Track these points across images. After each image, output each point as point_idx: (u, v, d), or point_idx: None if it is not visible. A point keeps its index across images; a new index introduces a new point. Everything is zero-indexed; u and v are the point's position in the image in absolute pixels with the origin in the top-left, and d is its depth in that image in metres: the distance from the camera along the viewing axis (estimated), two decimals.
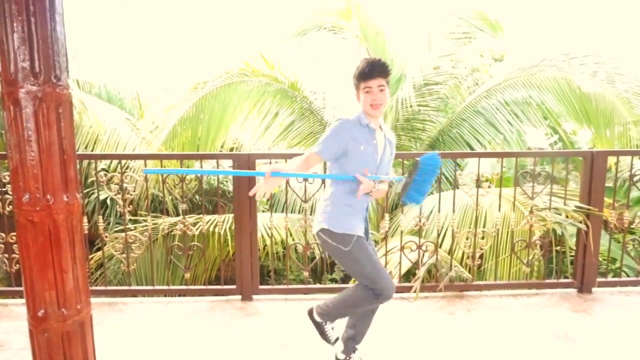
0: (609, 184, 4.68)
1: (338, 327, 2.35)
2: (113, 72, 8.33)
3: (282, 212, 5.51)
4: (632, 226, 3.48)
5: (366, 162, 2.07)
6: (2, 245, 3.20)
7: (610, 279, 3.66)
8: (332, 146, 2.05)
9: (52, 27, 1.33)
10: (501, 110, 5.87)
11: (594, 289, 3.37)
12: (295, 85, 6.37)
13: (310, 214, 3.09)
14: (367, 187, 2.04)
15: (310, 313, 2.36)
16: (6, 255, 3.21)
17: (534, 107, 5.80)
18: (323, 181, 3.14)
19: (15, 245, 3.19)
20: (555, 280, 3.52)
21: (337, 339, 2.33)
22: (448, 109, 6.76)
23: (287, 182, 3.26)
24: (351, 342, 2.32)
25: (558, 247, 3.90)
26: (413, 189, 2.10)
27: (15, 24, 1.27)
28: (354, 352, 2.34)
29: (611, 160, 4.04)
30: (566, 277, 3.65)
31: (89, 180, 5.56)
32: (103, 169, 5.43)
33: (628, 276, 4.49)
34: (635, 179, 3.53)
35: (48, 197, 1.39)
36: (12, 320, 2.95)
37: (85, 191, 5.75)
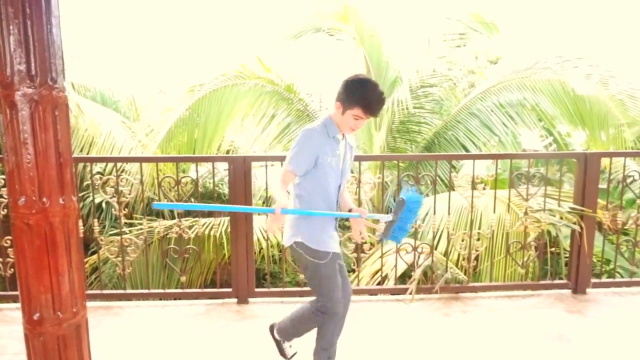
0: (603, 185, 4.71)
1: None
2: (108, 75, 8.32)
3: None
4: (625, 227, 3.51)
5: (330, 173, 2.08)
6: None
7: (604, 280, 3.67)
8: (304, 160, 2.04)
9: (48, 30, 1.33)
10: (496, 112, 5.91)
11: (588, 290, 3.39)
12: (291, 87, 6.38)
13: None
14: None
15: (271, 329, 2.41)
16: (0, 259, 3.19)
17: (528, 109, 5.84)
18: None
19: (10, 249, 3.17)
20: (550, 282, 3.55)
21: (294, 354, 2.39)
22: (443, 111, 6.80)
23: None
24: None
25: (553, 249, 3.92)
26: (397, 227, 2.10)
27: (11, 27, 1.27)
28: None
29: (606, 162, 4.07)
30: (561, 279, 3.67)
31: (84, 183, 5.54)
32: (98, 172, 5.42)
33: (622, 277, 4.52)
34: (628, 180, 3.56)
35: (44, 200, 1.38)
36: (7, 324, 2.93)
37: (80, 195, 5.72)
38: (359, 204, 3.19)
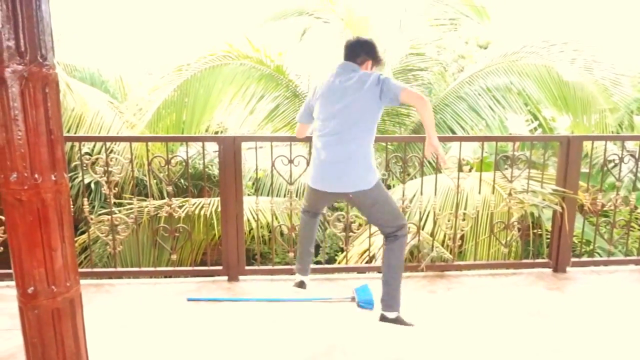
0: (586, 169, 4.82)
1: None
2: (96, 55, 8.17)
3: (268, 195, 5.54)
4: (604, 209, 3.61)
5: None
6: None
7: (583, 259, 3.80)
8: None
9: (37, 6, 1.33)
10: (483, 96, 5.96)
11: (568, 269, 3.51)
12: (280, 68, 6.34)
13: (296, 197, 3.13)
14: None
15: (383, 318, 2.53)
16: None
17: (515, 94, 5.91)
18: (308, 162, 3.18)
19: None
20: (531, 261, 3.66)
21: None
22: (432, 95, 6.83)
23: (273, 165, 3.29)
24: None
25: (535, 230, 4.04)
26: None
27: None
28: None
29: (589, 146, 4.17)
30: (542, 258, 3.79)
31: (72, 164, 5.51)
32: (86, 153, 5.38)
33: (601, 257, 4.66)
34: (610, 165, 3.65)
35: (36, 176, 1.40)
36: None
37: (68, 175, 5.69)
38: None
